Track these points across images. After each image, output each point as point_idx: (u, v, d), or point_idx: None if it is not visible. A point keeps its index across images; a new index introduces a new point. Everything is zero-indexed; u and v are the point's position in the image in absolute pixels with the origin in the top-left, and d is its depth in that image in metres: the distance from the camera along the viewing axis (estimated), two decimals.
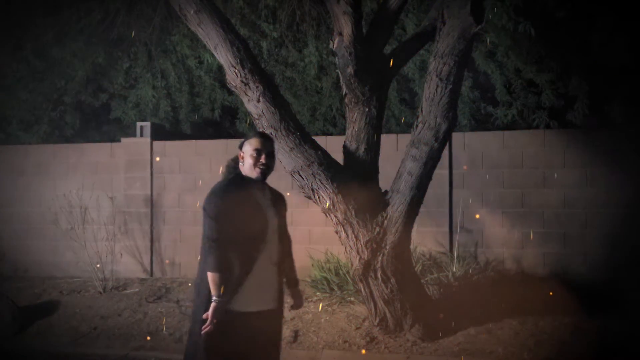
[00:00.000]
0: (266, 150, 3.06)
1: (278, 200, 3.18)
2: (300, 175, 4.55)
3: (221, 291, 2.88)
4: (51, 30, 7.34)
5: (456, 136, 6.37)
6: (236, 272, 2.92)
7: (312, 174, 4.54)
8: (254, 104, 4.55)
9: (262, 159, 3.03)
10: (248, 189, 3.03)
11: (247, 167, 3.05)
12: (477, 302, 5.22)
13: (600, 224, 5.93)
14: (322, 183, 4.53)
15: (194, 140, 7.28)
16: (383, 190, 4.78)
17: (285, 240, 3.22)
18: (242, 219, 2.93)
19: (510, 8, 5.77)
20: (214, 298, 2.89)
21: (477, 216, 6.27)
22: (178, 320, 5.71)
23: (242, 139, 3.15)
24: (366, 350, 4.82)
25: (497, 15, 5.92)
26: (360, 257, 4.64)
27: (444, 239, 6.33)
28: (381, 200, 4.66)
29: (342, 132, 5.88)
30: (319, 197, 4.54)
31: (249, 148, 3.06)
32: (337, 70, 4.79)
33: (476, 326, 4.96)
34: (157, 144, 7.21)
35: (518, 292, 5.44)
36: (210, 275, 2.89)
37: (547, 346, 4.65)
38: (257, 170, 3.03)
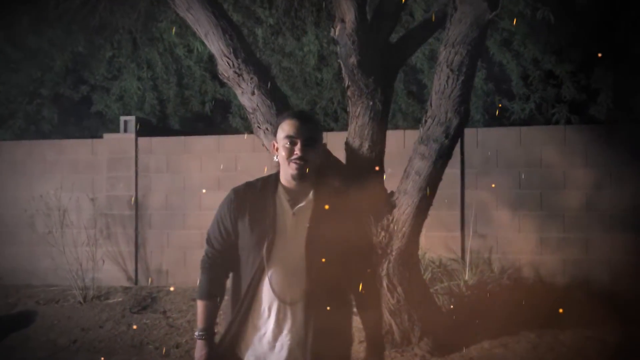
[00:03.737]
0: (303, 135, 2.35)
1: (331, 209, 2.37)
2: None
3: (204, 324, 2.43)
4: (27, 16, 7.33)
5: (469, 132, 6.37)
6: (232, 304, 2.43)
7: None
8: (248, 97, 4.55)
9: (297, 150, 2.34)
10: (262, 196, 2.41)
11: (282, 163, 2.40)
12: (492, 313, 5.21)
13: (626, 228, 5.93)
14: None
15: (183, 137, 7.27)
16: (389, 191, 4.78)
17: (341, 269, 2.36)
18: (238, 236, 2.41)
19: None
20: (195, 332, 2.48)
21: (492, 219, 6.27)
22: (165, 333, 5.71)
23: (276, 124, 2.51)
24: None
25: (513, 0, 5.92)
26: None
27: (455, 245, 6.32)
28: (387, 202, 4.66)
29: (344, 127, 5.87)
30: None
31: (280, 135, 2.39)
32: (338, 60, 4.78)
33: (490, 339, 4.96)
34: (143, 141, 7.20)
35: (536, 302, 5.44)
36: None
37: None
38: (292, 166, 2.35)
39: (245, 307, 2.35)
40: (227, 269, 2.47)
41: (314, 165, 2.39)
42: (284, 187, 2.41)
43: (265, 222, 2.35)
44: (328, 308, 2.32)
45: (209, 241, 2.48)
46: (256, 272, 2.33)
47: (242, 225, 2.38)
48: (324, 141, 2.46)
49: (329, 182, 2.53)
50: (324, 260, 2.31)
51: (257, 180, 2.49)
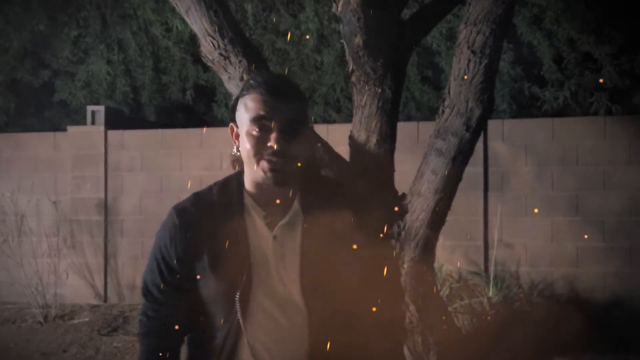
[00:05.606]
0: (282, 117, 1.72)
1: (330, 221, 1.76)
2: None
3: None
4: None
5: (493, 124, 6.36)
6: None
7: None
8: (235, 83, 4.52)
9: (273, 140, 1.71)
10: (223, 214, 1.78)
11: (247, 160, 1.77)
12: (519, 335, 5.21)
13: None
14: None
15: (160, 130, 7.28)
16: (400, 193, 4.77)
17: (357, 311, 1.77)
18: (195, 281, 1.79)
19: None
20: None
21: (520, 226, 6.27)
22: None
23: (236, 97, 1.85)
24: None
25: None
26: None
27: (477, 255, 6.32)
28: (398, 206, 4.65)
29: (348, 119, 5.87)
30: None
31: (244, 116, 1.77)
32: (341, 41, 4.77)
33: None
34: (113, 134, 7.21)
35: (571, 323, 5.43)
36: None
37: None
38: (265, 165, 1.72)
39: None
40: (181, 332, 1.86)
41: (298, 160, 1.76)
42: (254, 197, 1.80)
43: (235, 257, 1.75)
44: None
45: (146, 293, 1.85)
46: (229, 333, 1.76)
47: (200, 265, 1.77)
48: (313, 126, 2.04)
49: (320, 182, 1.95)
50: (330, 301, 1.75)
51: (210, 189, 1.86)
